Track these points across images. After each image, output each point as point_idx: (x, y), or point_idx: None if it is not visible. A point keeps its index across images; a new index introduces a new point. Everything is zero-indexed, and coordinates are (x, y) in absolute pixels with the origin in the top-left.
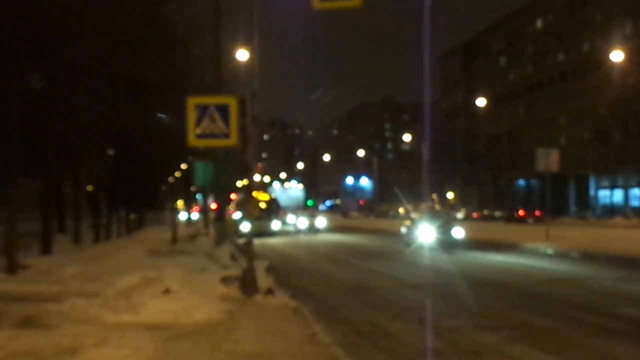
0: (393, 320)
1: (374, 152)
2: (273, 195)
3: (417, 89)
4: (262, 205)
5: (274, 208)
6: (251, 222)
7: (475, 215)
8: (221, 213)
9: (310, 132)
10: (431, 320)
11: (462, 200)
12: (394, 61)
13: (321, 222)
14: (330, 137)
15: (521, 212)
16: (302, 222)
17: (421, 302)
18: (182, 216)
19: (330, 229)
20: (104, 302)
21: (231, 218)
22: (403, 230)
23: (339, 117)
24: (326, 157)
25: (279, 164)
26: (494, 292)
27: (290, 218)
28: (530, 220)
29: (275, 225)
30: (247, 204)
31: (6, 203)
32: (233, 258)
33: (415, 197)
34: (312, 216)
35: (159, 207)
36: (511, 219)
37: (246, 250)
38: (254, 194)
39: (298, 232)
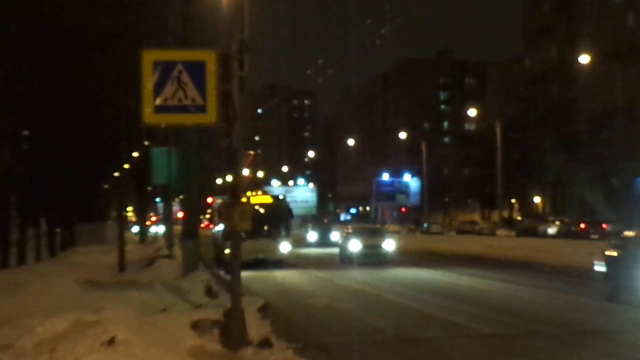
0: None
1: (423, 135)
2: (282, 196)
3: (487, 40)
4: (259, 213)
5: (284, 218)
6: (237, 241)
7: (583, 226)
8: (192, 225)
9: (326, 105)
10: None
11: (554, 206)
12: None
13: (389, 244)
14: (357, 112)
15: (582, 225)
16: (355, 245)
17: None
18: (134, 229)
19: (399, 255)
20: (16, 359)
21: (214, 234)
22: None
23: (369, 83)
24: (350, 142)
25: (280, 153)
26: None
27: (334, 235)
28: (595, 235)
29: (285, 247)
30: (233, 212)
31: None
32: (210, 293)
33: (486, 201)
34: (374, 233)
35: (98, 216)
36: (570, 233)
37: (231, 281)
38: (247, 196)
39: (347, 258)
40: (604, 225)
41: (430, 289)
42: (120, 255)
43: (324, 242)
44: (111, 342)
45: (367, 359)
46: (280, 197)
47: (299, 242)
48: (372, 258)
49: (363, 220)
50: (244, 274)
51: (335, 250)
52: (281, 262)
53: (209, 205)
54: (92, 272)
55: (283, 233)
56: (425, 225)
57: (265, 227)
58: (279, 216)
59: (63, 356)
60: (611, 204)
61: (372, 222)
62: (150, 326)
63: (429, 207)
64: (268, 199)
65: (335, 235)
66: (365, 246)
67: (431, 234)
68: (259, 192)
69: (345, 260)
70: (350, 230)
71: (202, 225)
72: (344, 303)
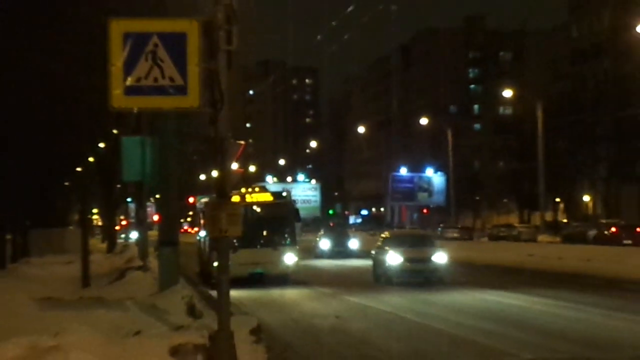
0: None
1: (449, 121)
2: (285, 193)
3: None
4: (257, 215)
5: (288, 221)
6: (226, 250)
7: (614, 230)
8: (170, 230)
9: (332, 85)
10: None
11: (607, 206)
12: None
13: (440, 257)
14: (369, 94)
15: (614, 229)
16: (394, 258)
17: None
18: (133, 235)
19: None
20: None
21: (198, 241)
22: None
23: (384, 58)
24: (360, 130)
25: (276, 143)
26: None
27: (353, 243)
28: (628, 240)
29: (289, 258)
30: (219, 215)
31: None
32: (193, 312)
33: (525, 201)
34: (421, 242)
35: (56, 220)
36: (600, 238)
37: (218, 299)
38: (241, 194)
39: (383, 276)
40: (638, 229)
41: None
42: (83, 267)
43: (340, 251)
44: None
45: None
46: (284, 194)
47: (308, 252)
48: (418, 276)
49: (376, 223)
50: (237, 293)
51: (357, 262)
52: (285, 278)
53: (191, 206)
54: (49, 288)
55: (287, 240)
56: (439, 229)
57: (265, 233)
58: (283, 219)
59: None
60: None
61: (386, 224)
62: (121, 353)
63: (456, 207)
64: (268, 197)
65: (354, 243)
66: (409, 259)
67: (447, 240)
68: (257, 189)
69: (380, 278)
70: (387, 237)
71: (182, 229)
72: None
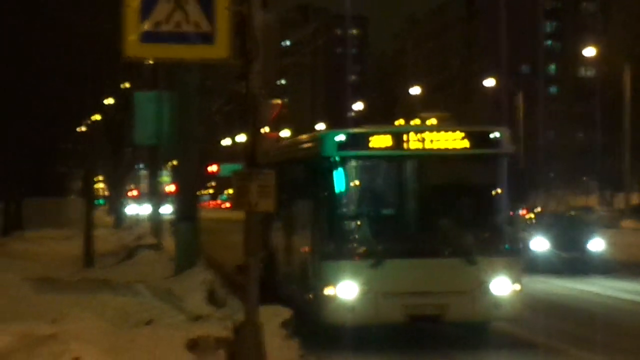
0: None
1: (520, 83)
2: (496, 135)
3: None
4: (429, 178)
5: (500, 198)
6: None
7: None
8: (189, 203)
9: (382, 38)
10: None
11: None
12: None
13: (597, 243)
14: (425, 49)
15: None
16: (540, 243)
17: None
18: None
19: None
20: None
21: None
22: None
23: (443, 7)
24: (414, 91)
25: (314, 103)
26: None
27: (596, 243)
28: None
29: (502, 285)
30: (248, 187)
31: None
32: (214, 300)
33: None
34: (574, 224)
35: (55, 189)
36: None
37: (246, 284)
38: (391, 131)
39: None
40: None
41: None
42: (86, 244)
43: (573, 258)
44: None
45: None
46: (495, 135)
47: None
48: (570, 264)
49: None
50: None
51: (619, 285)
52: (484, 331)
53: (213, 176)
54: (46, 267)
55: (499, 241)
56: None
57: (446, 226)
58: (490, 191)
59: None
60: None
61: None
62: (130, 344)
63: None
64: (458, 140)
65: (598, 244)
66: (558, 246)
67: None
68: (432, 120)
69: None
70: (533, 219)
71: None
72: None
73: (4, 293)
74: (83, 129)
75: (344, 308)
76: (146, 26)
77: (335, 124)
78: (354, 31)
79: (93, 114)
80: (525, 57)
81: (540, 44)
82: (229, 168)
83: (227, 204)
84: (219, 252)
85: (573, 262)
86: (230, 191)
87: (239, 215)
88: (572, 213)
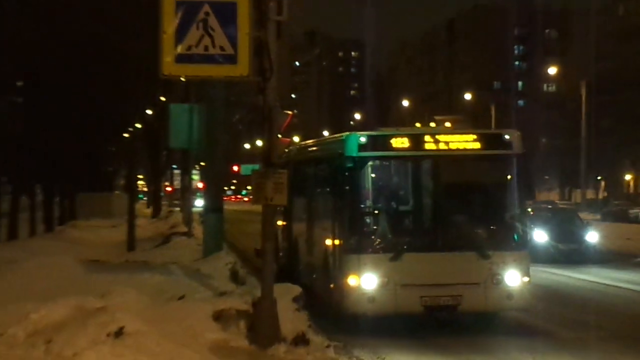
0: None
1: (493, 96)
2: (507, 136)
3: None
4: (444, 176)
5: (511, 195)
6: (272, 216)
7: None
8: (215, 197)
9: (377, 59)
10: None
11: None
12: None
13: (593, 236)
14: (413, 67)
15: None
16: (540, 236)
17: None
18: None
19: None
20: (6, 350)
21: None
22: None
23: (430, 33)
24: (404, 104)
25: (320, 114)
26: None
27: (591, 236)
28: None
29: (512, 277)
30: (265, 183)
31: None
32: (236, 279)
33: (567, 178)
34: (569, 219)
35: (103, 185)
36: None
37: (262, 265)
38: (408, 134)
39: None
40: None
41: None
42: (129, 231)
43: (570, 250)
44: (119, 333)
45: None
46: (506, 136)
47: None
48: (568, 256)
49: None
50: None
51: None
52: (492, 320)
53: (235, 174)
54: (96, 250)
55: (510, 236)
56: None
57: (461, 221)
58: (501, 188)
59: (61, 349)
60: None
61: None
62: (165, 316)
63: None
64: (471, 142)
65: (593, 236)
66: (557, 238)
67: None
68: (447, 123)
69: None
70: (531, 213)
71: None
72: None
73: (61, 273)
74: (126, 135)
75: (364, 299)
76: (179, 50)
77: (337, 131)
78: (353, 53)
79: (135, 122)
80: (497, 75)
81: (510, 64)
82: (248, 168)
83: (247, 198)
84: (240, 238)
85: (570, 253)
86: (250, 187)
87: (257, 207)
88: (566, 208)
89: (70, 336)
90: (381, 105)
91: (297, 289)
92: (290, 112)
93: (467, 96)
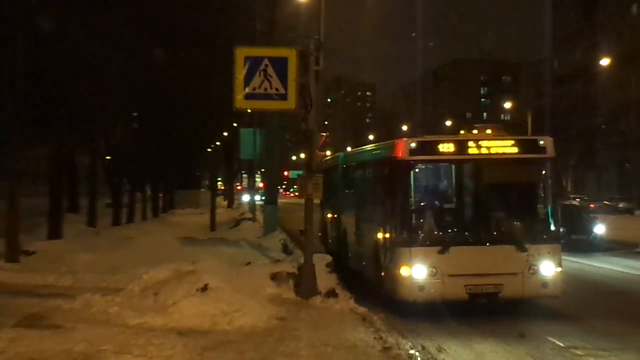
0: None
1: (465, 124)
2: (542, 142)
3: (521, 44)
4: (485, 178)
5: (546, 195)
6: (310, 207)
7: (592, 206)
8: (272, 194)
9: (384, 96)
10: None
11: (577, 187)
12: (493, 10)
13: (600, 228)
14: (410, 101)
15: None
16: None
17: None
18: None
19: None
20: (126, 300)
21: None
22: None
23: (421, 78)
24: (403, 128)
25: (345, 135)
26: None
27: (599, 228)
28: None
29: (547, 268)
30: (307, 184)
31: (7, 175)
32: (286, 250)
33: None
34: (578, 214)
35: (193, 184)
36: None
37: (305, 241)
38: (450, 141)
39: None
40: (591, 205)
41: None
42: (211, 217)
43: (578, 240)
44: (205, 288)
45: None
46: (541, 142)
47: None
48: (577, 245)
49: None
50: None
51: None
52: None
53: (286, 177)
54: (188, 230)
55: (544, 230)
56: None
57: (500, 218)
58: (536, 189)
59: (165, 299)
60: (624, 186)
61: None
62: (237, 276)
63: None
64: (508, 147)
65: (600, 228)
66: (568, 229)
67: None
68: (488, 131)
69: None
70: None
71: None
72: None
73: (165, 246)
74: (210, 149)
75: (415, 287)
76: (247, 90)
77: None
78: (368, 92)
79: (216, 140)
80: (469, 108)
81: (478, 101)
82: (295, 173)
83: (294, 194)
84: (288, 222)
85: (579, 243)
86: (296, 186)
87: (301, 200)
88: (575, 203)
89: (171, 290)
90: (387, 130)
91: (328, 258)
92: (324, 134)
93: (448, 123)
